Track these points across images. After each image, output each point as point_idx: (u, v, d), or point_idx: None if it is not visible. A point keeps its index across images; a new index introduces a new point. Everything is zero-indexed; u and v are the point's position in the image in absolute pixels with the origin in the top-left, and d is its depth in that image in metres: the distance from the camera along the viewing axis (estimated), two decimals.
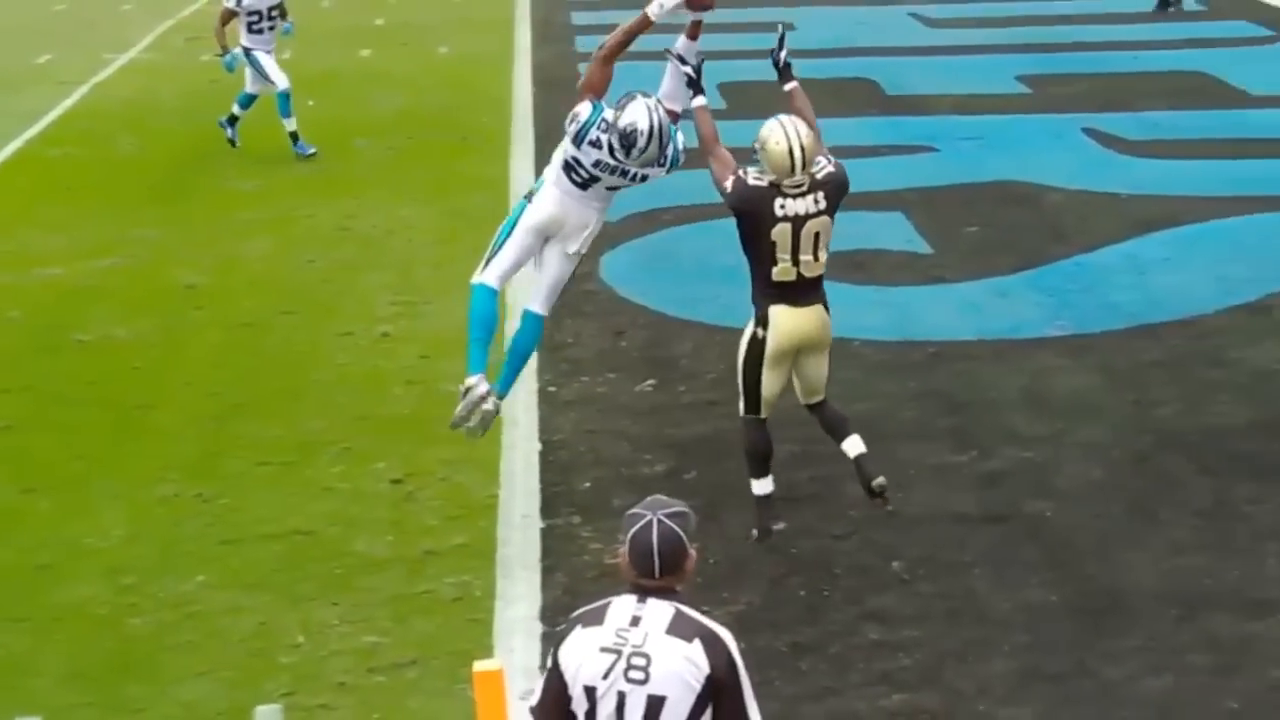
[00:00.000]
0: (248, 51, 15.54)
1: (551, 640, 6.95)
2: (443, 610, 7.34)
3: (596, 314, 11.09)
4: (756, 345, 7.72)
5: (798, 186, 7.56)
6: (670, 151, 7.95)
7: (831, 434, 7.97)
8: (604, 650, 4.28)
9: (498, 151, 15.87)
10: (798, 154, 7.52)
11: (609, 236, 12.84)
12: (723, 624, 4.37)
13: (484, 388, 8.04)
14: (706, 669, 4.25)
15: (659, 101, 7.93)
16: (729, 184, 7.63)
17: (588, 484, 8.52)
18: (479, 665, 5.14)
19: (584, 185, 8.02)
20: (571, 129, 7.90)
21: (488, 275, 8.11)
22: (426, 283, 11.95)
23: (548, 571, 7.62)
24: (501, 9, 25.00)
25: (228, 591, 7.60)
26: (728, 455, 8.58)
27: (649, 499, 4.46)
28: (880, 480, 7.75)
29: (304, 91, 16.29)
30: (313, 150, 15.60)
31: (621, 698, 4.26)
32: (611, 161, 7.85)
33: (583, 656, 4.31)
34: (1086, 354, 9.93)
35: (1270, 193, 13.18)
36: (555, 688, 4.36)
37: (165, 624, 7.32)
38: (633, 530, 4.34)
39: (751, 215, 7.61)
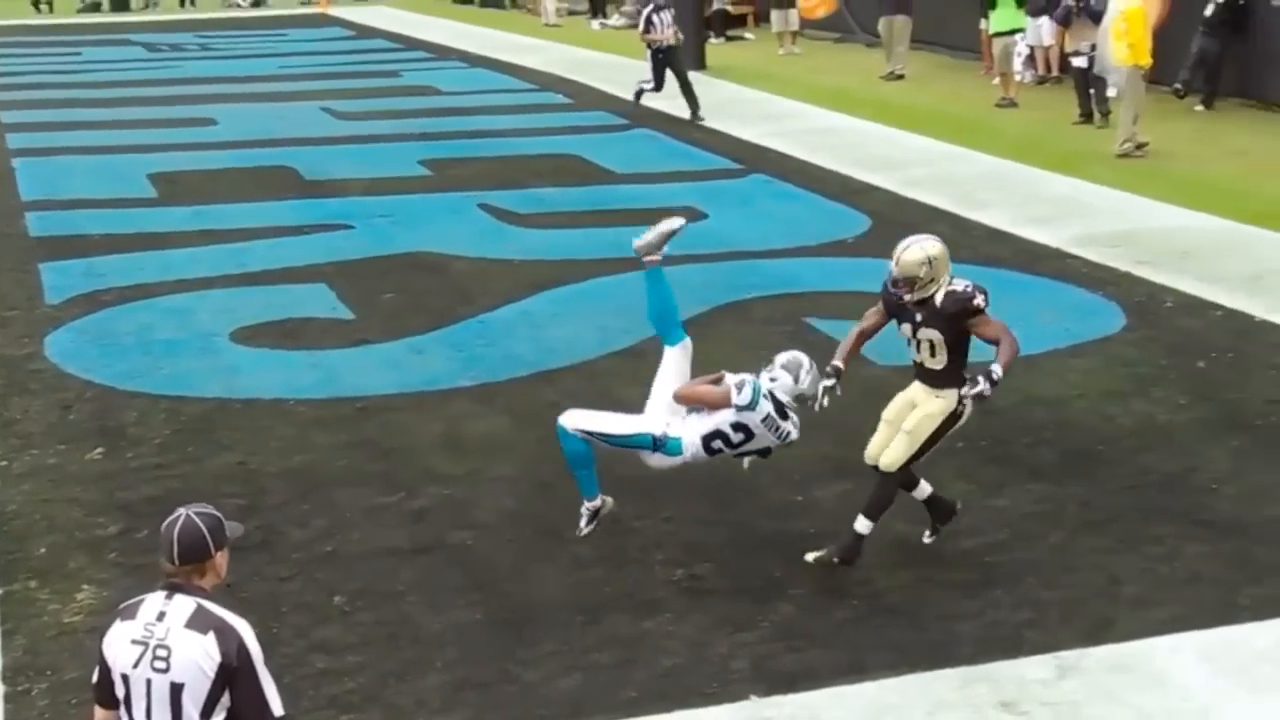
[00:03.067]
0: None
1: (13, 701, 6.60)
2: None
3: (44, 390, 10.50)
4: (953, 421, 7.45)
5: None
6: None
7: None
8: (134, 642, 4.38)
9: None
10: None
11: (50, 319, 12.25)
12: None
13: (607, 508, 7.81)
14: (219, 658, 4.35)
15: None
16: (981, 296, 7.33)
17: (43, 549, 8.05)
18: None
19: (715, 454, 7.67)
20: (744, 395, 7.45)
21: (579, 430, 7.60)
22: None
23: (8, 635, 7.15)
24: None
25: None
26: None
27: (198, 503, 4.62)
28: (956, 503, 7.83)
29: None
30: None
31: (149, 684, 4.35)
32: (776, 416, 7.50)
33: (118, 648, 4.40)
34: (494, 400, 10.12)
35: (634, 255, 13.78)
36: (103, 673, 4.47)
37: None
38: (164, 523, 4.46)
39: None
